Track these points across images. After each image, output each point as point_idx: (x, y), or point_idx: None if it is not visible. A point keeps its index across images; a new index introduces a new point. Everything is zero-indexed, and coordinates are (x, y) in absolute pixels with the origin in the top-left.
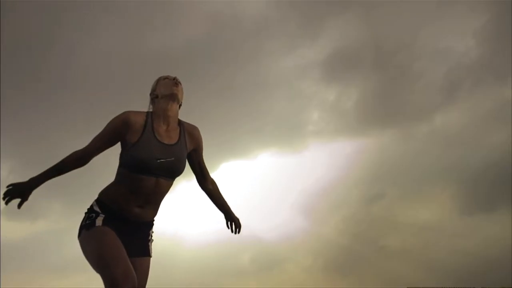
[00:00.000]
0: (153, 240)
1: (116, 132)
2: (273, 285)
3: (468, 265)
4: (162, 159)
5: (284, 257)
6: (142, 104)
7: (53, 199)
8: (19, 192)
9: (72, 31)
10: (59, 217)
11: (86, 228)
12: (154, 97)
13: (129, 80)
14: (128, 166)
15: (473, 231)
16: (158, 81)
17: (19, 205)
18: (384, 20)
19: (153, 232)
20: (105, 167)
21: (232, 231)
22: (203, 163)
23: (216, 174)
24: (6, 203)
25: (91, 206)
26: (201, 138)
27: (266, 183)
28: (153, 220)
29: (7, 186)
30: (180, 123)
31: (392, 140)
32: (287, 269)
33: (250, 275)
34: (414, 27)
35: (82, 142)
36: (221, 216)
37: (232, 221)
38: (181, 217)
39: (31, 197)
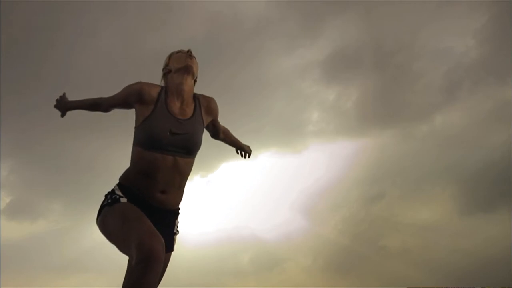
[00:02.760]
0: (178, 232)
1: (127, 100)
2: (273, 285)
3: (468, 265)
4: (175, 133)
5: (284, 257)
6: None
7: (53, 199)
8: (60, 107)
9: (72, 31)
10: (59, 217)
11: (109, 205)
12: (167, 72)
13: (129, 80)
14: (141, 143)
15: (473, 231)
16: (170, 55)
17: (61, 116)
18: (384, 20)
19: (178, 222)
20: (106, 168)
21: (243, 157)
22: (218, 125)
23: (216, 174)
24: (55, 106)
25: (113, 189)
26: (217, 109)
27: (266, 183)
28: (179, 208)
29: (62, 95)
30: (195, 96)
31: (392, 140)
32: (287, 269)
33: (250, 275)
34: (414, 27)
35: (81, 142)
36: (221, 216)
37: (242, 149)
38: (181, 217)
39: (31, 197)
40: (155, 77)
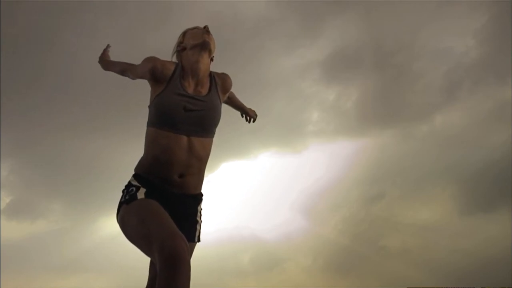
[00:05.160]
0: (202, 221)
1: (143, 77)
2: (273, 285)
3: (468, 265)
4: (190, 109)
5: (284, 257)
6: (143, 103)
7: (53, 199)
8: (102, 63)
9: (72, 32)
10: (59, 217)
11: (127, 203)
12: (181, 49)
13: (129, 80)
14: (154, 121)
15: (473, 231)
16: (185, 32)
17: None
18: (384, 20)
19: (202, 209)
20: (106, 168)
21: (248, 122)
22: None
23: (216, 174)
24: (99, 62)
25: (129, 181)
26: (231, 85)
27: (266, 183)
28: (201, 194)
29: (106, 47)
30: (211, 74)
31: (392, 140)
32: (287, 269)
33: (250, 275)
34: (414, 27)
35: (81, 143)
36: (221, 216)
37: (247, 114)
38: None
39: (31, 197)
40: None
